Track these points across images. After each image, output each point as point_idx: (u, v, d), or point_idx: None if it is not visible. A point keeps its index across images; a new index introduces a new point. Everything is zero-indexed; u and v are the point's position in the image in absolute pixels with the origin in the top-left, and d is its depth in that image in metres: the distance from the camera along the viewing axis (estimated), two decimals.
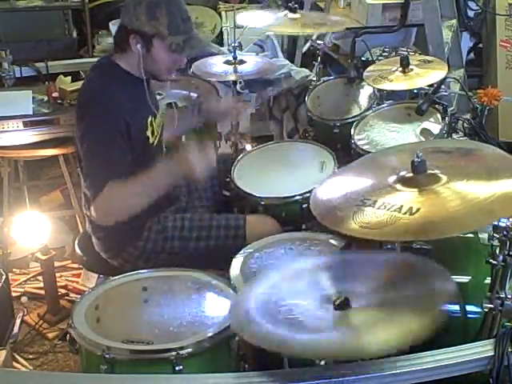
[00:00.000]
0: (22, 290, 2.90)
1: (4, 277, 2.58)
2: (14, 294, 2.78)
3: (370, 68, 2.69)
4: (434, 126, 2.41)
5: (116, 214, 1.97)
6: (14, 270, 3.02)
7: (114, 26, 3.72)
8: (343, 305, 1.43)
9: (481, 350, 1.50)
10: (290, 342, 1.36)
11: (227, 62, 2.80)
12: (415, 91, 2.55)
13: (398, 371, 1.43)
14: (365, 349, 1.33)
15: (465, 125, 2.46)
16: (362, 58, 3.14)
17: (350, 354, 1.36)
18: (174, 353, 1.51)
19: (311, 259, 1.80)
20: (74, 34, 3.87)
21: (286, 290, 1.56)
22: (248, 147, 2.95)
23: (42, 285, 2.76)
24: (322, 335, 1.37)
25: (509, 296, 1.55)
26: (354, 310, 1.42)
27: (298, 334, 1.38)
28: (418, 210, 1.45)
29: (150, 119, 2.13)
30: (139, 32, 2.00)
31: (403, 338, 1.33)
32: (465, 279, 1.77)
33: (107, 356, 1.52)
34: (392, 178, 1.61)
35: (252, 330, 1.42)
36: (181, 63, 2.13)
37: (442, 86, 2.48)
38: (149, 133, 2.13)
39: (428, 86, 2.46)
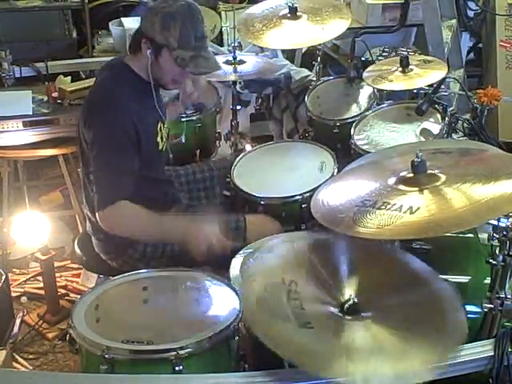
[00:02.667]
0: (21, 290, 2.89)
1: (4, 277, 2.58)
2: (13, 294, 2.78)
3: (370, 68, 2.69)
4: (434, 126, 2.41)
5: (122, 230, 2.00)
6: (14, 270, 3.01)
7: (113, 26, 3.73)
8: (353, 310, 1.44)
9: (481, 349, 1.50)
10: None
11: (227, 62, 2.80)
12: (415, 91, 2.55)
13: None
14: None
15: (465, 125, 2.46)
16: (362, 58, 3.14)
17: None
18: (173, 353, 1.51)
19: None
20: (74, 34, 3.86)
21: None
22: (248, 147, 2.95)
23: (41, 285, 2.76)
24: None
25: (508, 296, 1.55)
26: (364, 328, 1.43)
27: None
28: (417, 208, 1.45)
29: (159, 125, 2.14)
30: (151, 39, 2.02)
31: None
32: (465, 279, 1.77)
33: (107, 356, 1.52)
34: (392, 179, 1.61)
35: (264, 326, 1.44)
36: (186, 78, 2.15)
37: (442, 86, 2.48)
38: (158, 139, 2.14)
39: (428, 86, 2.46)
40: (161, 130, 2.16)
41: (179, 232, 2.01)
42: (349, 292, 1.54)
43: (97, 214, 1.97)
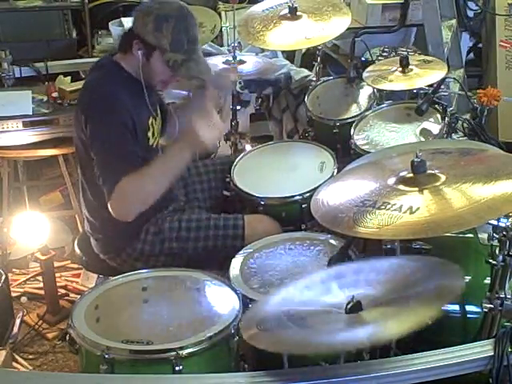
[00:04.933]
0: (21, 290, 2.89)
1: (4, 277, 2.58)
2: (13, 294, 2.78)
3: (370, 68, 2.69)
4: (434, 126, 2.41)
5: (134, 206, 1.96)
6: (14, 270, 3.01)
7: (113, 26, 3.73)
8: (355, 308, 1.43)
9: (480, 350, 1.50)
10: (308, 343, 1.36)
11: (227, 62, 2.80)
12: (415, 91, 2.55)
13: (398, 371, 1.43)
14: (379, 339, 1.34)
15: (465, 125, 2.46)
16: (362, 58, 3.14)
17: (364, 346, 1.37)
18: (173, 353, 1.52)
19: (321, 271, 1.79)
20: (74, 34, 3.86)
21: (299, 301, 1.56)
22: (248, 147, 2.95)
23: (41, 285, 2.76)
24: (338, 335, 1.37)
25: (508, 296, 1.55)
26: (365, 311, 1.42)
27: (314, 336, 1.38)
28: (417, 208, 1.45)
29: (151, 120, 2.14)
30: (143, 39, 2.02)
31: (413, 323, 1.32)
32: (465, 279, 1.76)
33: (107, 356, 1.52)
34: (392, 179, 1.61)
35: (267, 337, 1.42)
36: (175, 80, 2.16)
37: (442, 86, 2.48)
38: (150, 134, 2.14)
39: (427, 86, 2.46)
40: (152, 125, 2.16)
41: (177, 156, 2.02)
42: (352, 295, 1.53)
43: (108, 205, 1.95)
